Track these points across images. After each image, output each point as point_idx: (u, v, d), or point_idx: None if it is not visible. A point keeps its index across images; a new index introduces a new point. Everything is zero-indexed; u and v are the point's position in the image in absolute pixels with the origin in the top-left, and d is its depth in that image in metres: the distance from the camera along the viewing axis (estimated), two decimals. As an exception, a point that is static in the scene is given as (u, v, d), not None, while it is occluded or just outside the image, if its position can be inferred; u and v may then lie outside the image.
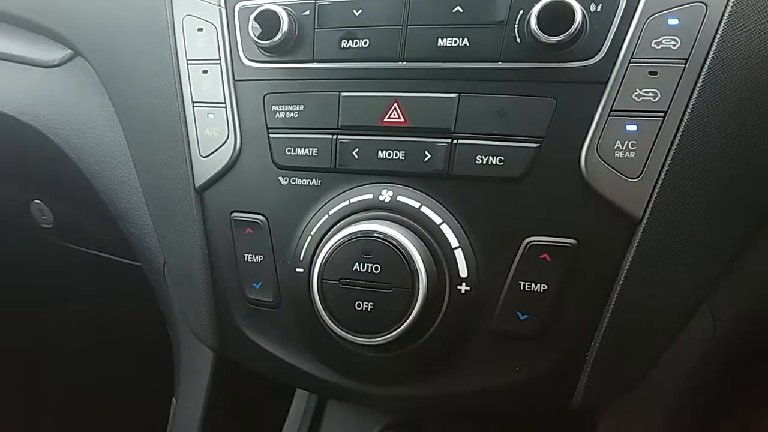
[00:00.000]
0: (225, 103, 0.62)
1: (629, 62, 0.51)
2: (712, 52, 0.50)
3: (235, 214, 0.63)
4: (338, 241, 0.55)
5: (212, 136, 0.63)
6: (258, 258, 0.62)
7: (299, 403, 0.88)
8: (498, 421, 0.74)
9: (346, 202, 0.58)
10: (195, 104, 0.64)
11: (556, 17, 0.51)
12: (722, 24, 0.50)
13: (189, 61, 0.65)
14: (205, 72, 0.64)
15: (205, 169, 0.64)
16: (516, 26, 0.53)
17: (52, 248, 1.05)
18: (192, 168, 0.64)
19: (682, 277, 0.53)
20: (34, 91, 0.80)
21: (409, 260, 0.53)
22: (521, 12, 0.53)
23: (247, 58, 0.62)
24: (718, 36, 0.50)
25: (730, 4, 0.50)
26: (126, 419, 1.36)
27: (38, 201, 0.99)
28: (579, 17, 0.50)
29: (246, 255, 0.62)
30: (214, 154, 0.63)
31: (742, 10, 0.50)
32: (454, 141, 0.55)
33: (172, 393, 0.78)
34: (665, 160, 0.51)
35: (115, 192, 0.75)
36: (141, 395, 1.23)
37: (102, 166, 0.75)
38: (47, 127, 0.79)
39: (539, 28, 0.51)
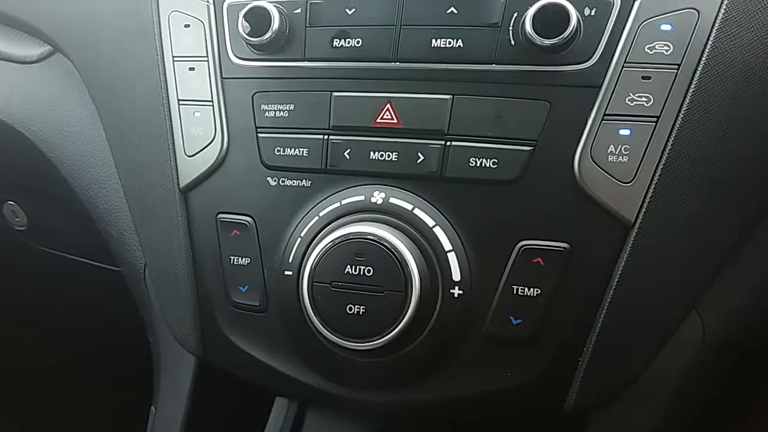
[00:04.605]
0: (212, 101, 0.61)
1: (623, 66, 0.52)
2: (704, 58, 0.51)
3: (221, 215, 0.61)
4: (330, 243, 0.54)
5: (198, 134, 0.62)
6: (245, 261, 0.60)
7: (278, 411, 0.86)
8: (486, 427, 0.73)
9: (337, 204, 0.57)
10: (181, 102, 0.63)
11: (551, 20, 0.51)
12: (714, 31, 0.51)
13: (175, 58, 0.63)
14: (191, 69, 0.62)
15: (191, 168, 0.62)
16: (510, 28, 0.53)
17: (26, 252, 1.02)
18: (176, 167, 0.63)
19: (674, 282, 0.54)
20: (11, 88, 0.78)
21: (402, 263, 0.52)
22: (516, 14, 0.53)
23: (235, 55, 0.61)
24: (710, 42, 0.51)
25: (722, 11, 0.51)
26: (104, 427, 1.32)
27: (11, 202, 0.96)
28: (574, 20, 0.50)
29: (232, 257, 0.61)
30: (200, 153, 0.62)
31: (734, 17, 0.51)
32: (448, 143, 0.55)
33: (151, 401, 0.76)
34: (658, 165, 0.51)
35: (95, 192, 0.73)
36: (118, 403, 1.19)
37: (81, 165, 0.73)
38: (23, 125, 0.76)
39: (534, 31, 0.51)
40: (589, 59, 0.52)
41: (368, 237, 0.53)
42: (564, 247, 0.53)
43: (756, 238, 0.55)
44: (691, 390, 0.59)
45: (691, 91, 0.51)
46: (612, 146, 0.52)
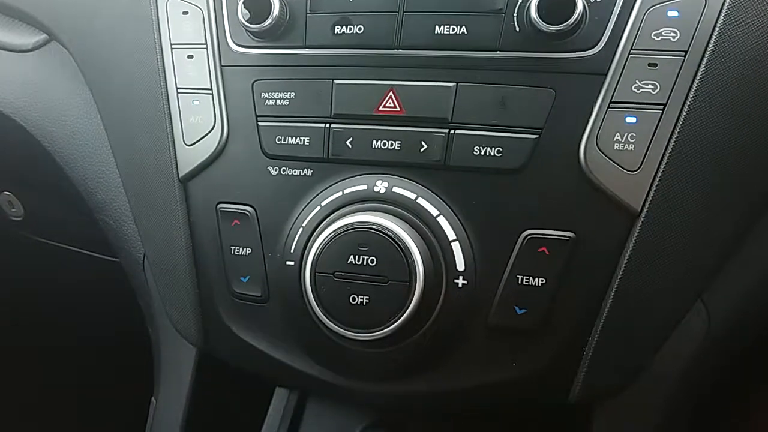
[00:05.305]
0: (211, 89, 0.60)
1: (629, 53, 0.51)
2: (711, 45, 0.50)
3: (221, 205, 0.61)
4: (332, 232, 0.53)
5: (197, 123, 0.61)
6: (245, 251, 0.60)
7: (278, 401, 0.86)
8: (487, 420, 0.73)
9: (340, 193, 0.56)
10: (179, 90, 0.62)
11: (556, 6, 0.50)
12: (721, 17, 0.50)
13: (173, 46, 0.62)
14: (190, 57, 0.61)
15: (190, 157, 0.61)
16: (515, 14, 0.53)
17: (23, 243, 1.01)
18: (175, 157, 0.62)
19: (680, 270, 0.53)
20: (7, 77, 0.77)
21: (406, 253, 0.52)
22: (520, 0, 0.52)
23: (235, 43, 0.60)
24: (716, 29, 0.50)
25: None
26: (103, 419, 1.32)
27: (8, 192, 0.95)
28: (579, 6, 0.50)
29: (233, 247, 0.60)
30: (200, 142, 0.61)
31: (741, 3, 0.50)
32: (452, 131, 0.54)
33: (151, 392, 0.76)
34: (664, 153, 0.51)
35: (92, 182, 0.72)
36: (118, 395, 1.19)
37: (78, 154, 0.72)
38: (19, 114, 0.75)
39: (539, 17, 0.50)
40: (595, 46, 0.52)
41: (371, 227, 0.52)
42: (569, 236, 0.52)
43: (760, 228, 0.55)
44: (695, 382, 0.59)
45: (698, 78, 0.50)
46: (618, 134, 0.51)
